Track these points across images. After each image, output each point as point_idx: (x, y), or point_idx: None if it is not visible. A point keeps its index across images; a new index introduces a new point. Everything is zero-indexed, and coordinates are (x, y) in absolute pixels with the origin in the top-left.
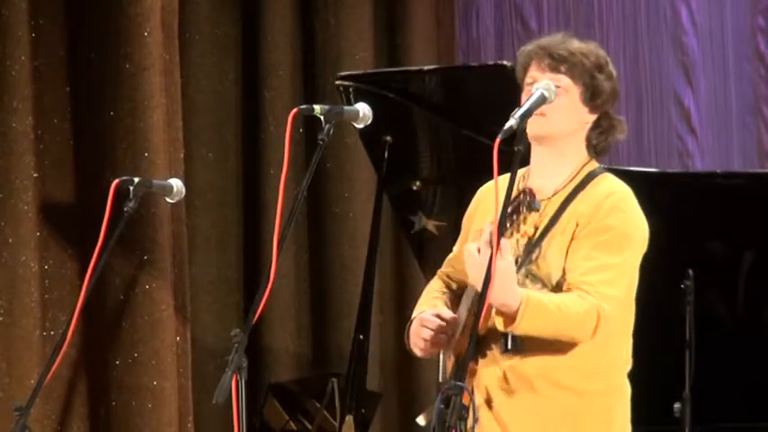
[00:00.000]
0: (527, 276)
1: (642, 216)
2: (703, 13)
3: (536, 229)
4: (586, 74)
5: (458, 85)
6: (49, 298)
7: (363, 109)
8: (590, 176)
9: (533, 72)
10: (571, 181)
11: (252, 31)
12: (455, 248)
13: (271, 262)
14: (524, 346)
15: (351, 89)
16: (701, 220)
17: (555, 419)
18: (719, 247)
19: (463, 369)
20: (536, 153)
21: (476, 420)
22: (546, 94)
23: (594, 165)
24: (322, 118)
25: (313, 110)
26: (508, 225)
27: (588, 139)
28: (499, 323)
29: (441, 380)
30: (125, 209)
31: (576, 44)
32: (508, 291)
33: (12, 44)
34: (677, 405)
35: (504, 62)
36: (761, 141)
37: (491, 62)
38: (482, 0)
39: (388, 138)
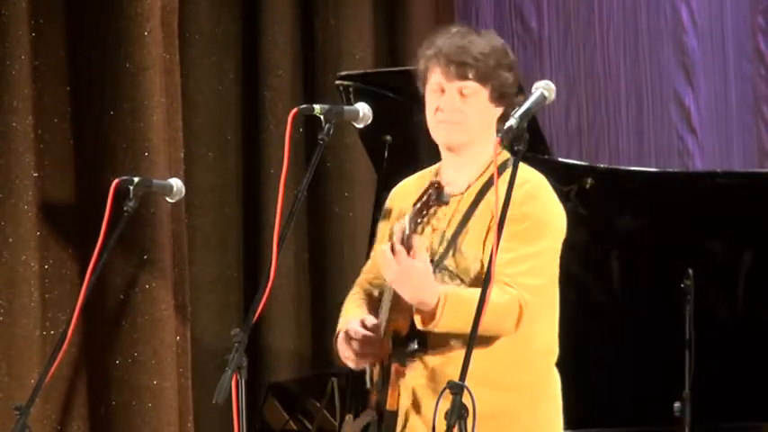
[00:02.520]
0: (444, 273)
1: (558, 203)
2: (703, 13)
3: (449, 223)
4: (492, 74)
5: None
6: (49, 297)
7: (363, 109)
8: (503, 167)
9: (439, 79)
10: (483, 173)
11: (252, 31)
12: (371, 255)
13: (271, 261)
14: (444, 344)
15: (351, 89)
16: (701, 220)
17: (483, 417)
18: (719, 246)
19: (387, 372)
20: (451, 157)
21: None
22: (546, 93)
23: (506, 155)
24: (322, 118)
25: (313, 109)
26: (418, 221)
27: (497, 132)
28: (418, 321)
29: (368, 385)
30: (125, 208)
31: (476, 45)
32: (425, 288)
33: (12, 44)
34: (677, 404)
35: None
36: (761, 141)
37: None
38: (482, 0)
39: (388, 137)
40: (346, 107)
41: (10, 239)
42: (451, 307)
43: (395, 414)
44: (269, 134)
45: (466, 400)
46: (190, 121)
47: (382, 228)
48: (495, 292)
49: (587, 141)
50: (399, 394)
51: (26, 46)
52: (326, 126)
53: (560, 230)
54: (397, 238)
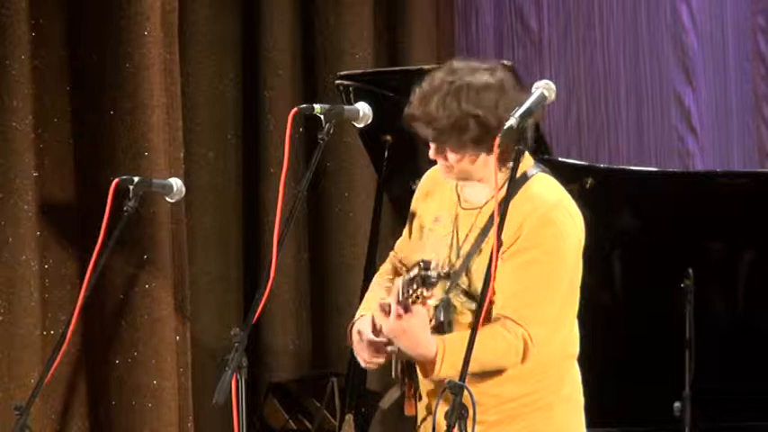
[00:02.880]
0: (457, 290)
1: (573, 217)
2: (704, 13)
3: (466, 237)
4: (456, 134)
5: None
6: (48, 297)
7: (363, 108)
8: (522, 180)
9: (430, 144)
10: (501, 187)
11: (252, 31)
12: (404, 232)
13: (271, 261)
14: None
15: (351, 88)
16: (702, 220)
17: (491, 424)
18: (720, 246)
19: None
20: None
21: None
22: (546, 93)
23: (528, 163)
24: (322, 117)
25: (313, 109)
26: (410, 292)
27: (499, 156)
28: (419, 372)
29: (393, 375)
30: (125, 208)
31: (432, 105)
32: (421, 342)
33: (12, 43)
34: (677, 404)
35: (504, 62)
36: (761, 141)
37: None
38: (482, 0)
39: (388, 137)
40: (346, 107)
41: (10, 239)
42: (451, 355)
43: (414, 419)
44: (269, 134)
45: (466, 400)
46: (190, 121)
47: (415, 207)
48: (496, 332)
49: (587, 141)
50: (419, 398)
51: (26, 46)
52: (326, 126)
53: (575, 248)
54: (393, 297)
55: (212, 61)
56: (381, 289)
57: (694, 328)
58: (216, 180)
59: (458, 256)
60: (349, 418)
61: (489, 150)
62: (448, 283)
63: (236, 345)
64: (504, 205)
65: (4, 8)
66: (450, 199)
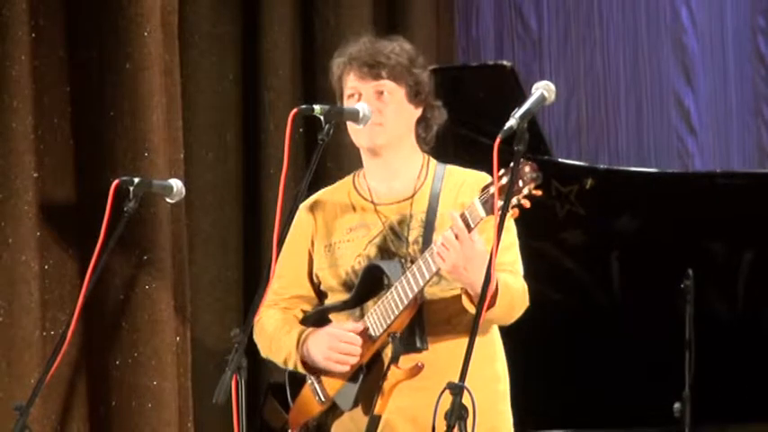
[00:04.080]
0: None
1: None
2: (703, 13)
3: (409, 228)
4: (406, 72)
5: (457, 85)
6: (49, 298)
7: (363, 109)
8: (440, 169)
9: (354, 83)
10: (426, 177)
11: (252, 31)
12: (285, 272)
13: (271, 261)
14: (438, 340)
15: None
16: (701, 220)
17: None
18: (719, 247)
19: (376, 376)
20: (374, 163)
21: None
22: (546, 93)
23: (433, 159)
24: (322, 118)
25: (313, 110)
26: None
27: (417, 134)
28: (470, 307)
29: (290, 402)
30: (125, 209)
31: (386, 46)
32: (481, 272)
33: (11, 44)
34: (677, 405)
35: (504, 62)
36: (760, 141)
37: (491, 62)
38: (482, 0)
39: None
40: (346, 107)
41: (10, 240)
42: (505, 292)
43: (379, 419)
44: (269, 134)
45: (465, 400)
46: (190, 122)
47: (298, 240)
48: (512, 279)
49: (587, 142)
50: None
51: (26, 46)
52: (326, 126)
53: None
54: (459, 227)
55: (212, 62)
56: (293, 326)
57: (694, 329)
58: (216, 180)
59: (407, 245)
60: None
61: (416, 106)
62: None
63: (236, 345)
64: (504, 206)
65: (5, 8)
66: (356, 208)
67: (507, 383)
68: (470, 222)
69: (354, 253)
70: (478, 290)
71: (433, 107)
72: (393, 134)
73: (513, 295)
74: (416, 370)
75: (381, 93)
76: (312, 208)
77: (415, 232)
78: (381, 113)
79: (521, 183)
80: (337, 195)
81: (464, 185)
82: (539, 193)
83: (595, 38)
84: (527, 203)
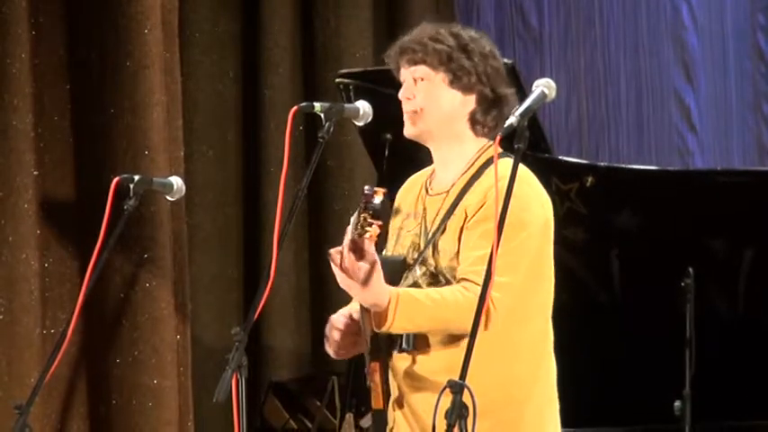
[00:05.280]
0: (425, 271)
1: (540, 196)
2: (703, 11)
3: (433, 221)
4: (444, 57)
5: None
6: (49, 296)
7: (364, 106)
8: (487, 164)
9: (401, 72)
10: (467, 171)
11: (252, 29)
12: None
13: (271, 260)
14: (424, 342)
15: (351, 87)
16: (702, 218)
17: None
18: (720, 244)
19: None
20: (433, 151)
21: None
22: (546, 91)
23: (491, 152)
24: (322, 116)
25: (313, 107)
26: (358, 226)
27: (473, 122)
28: (373, 324)
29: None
30: (125, 207)
31: (430, 31)
32: (375, 290)
33: (12, 42)
34: (677, 403)
35: (505, 59)
36: (761, 139)
37: None
38: None
39: (389, 135)
40: (346, 105)
41: (10, 238)
42: (404, 307)
43: (383, 412)
44: (269, 132)
45: (466, 398)
46: (190, 120)
47: (392, 224)
48: (453, 291)
49: (587, 139)
50: (384, 392)
51: (26, 44)
52: (327, 124)
53: (542, 224)
54: (346, 245)
55: (212, 60)
56: None
57: (694, 327)
58: (216, 179)
59: (426, 240)
60: (349, 417)
61: (464, 91)
62: (417, 270)
63: (237, 344)
64: (504, 203)
65: (5, 6)
66: (419, 195)
67: (537, 392)
68: (350, 234)
69: (394, 242)
70: (375, 309)
71: (496, 94)
72: (432, 120)
73: (433, 310)
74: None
75: (420, 79)
76: (402, 190)
77: (433, 228)
78: (415, 100)
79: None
80: (419, 179)
81: (479, 187)
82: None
83: (596, 35)
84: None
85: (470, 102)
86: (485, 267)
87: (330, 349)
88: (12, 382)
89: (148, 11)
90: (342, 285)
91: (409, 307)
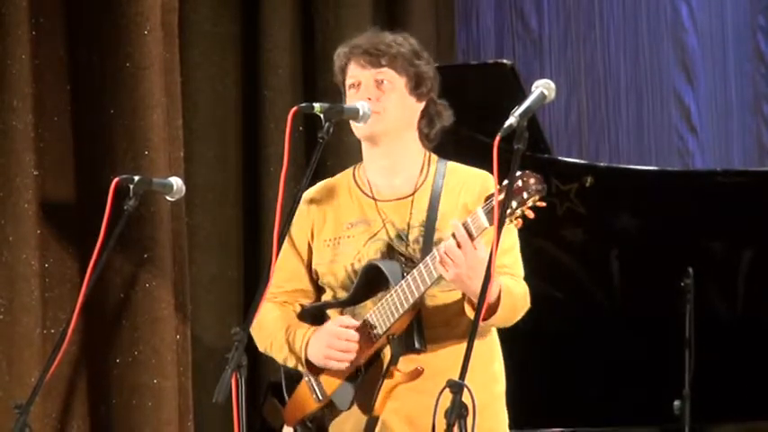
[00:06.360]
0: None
1: None
2: (703, 12)
3: (409, 226)
4: (407, 63)
5: (457, 84)
6: (49, 296)
7: (363, 107)
8: (441, 166)
9: (355, 71)
10: (427, 174)
11: (252, 30)
12: (285, 265)
13: (271, 261)
14: (435, 342)
15: None
16: (701, 219)
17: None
18: (719, 245)
19: (373, 377)
20: (374, 154)
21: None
22: (546, 92)
23: (434, 156)
24: (322, 116)
25: (313, 108)
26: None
27: (420, 130)
28: (472, 313)
29: (287, 397)
30: (125, 207)
31: (388, 37)
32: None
33: (12, 42)
34: (677, 403)
35: (505, 60)
36: (761, 139)
37: (491, 61)
38: (482, 0)
39: None
40: (346, 105)
41: (10, 238)
42: (507, 297)
43: (376, 420)
44: (269, 133)
45: (465, 398)
46: (190, 120)
47: (298, 233)
48: (514, 283)
49: (587, 140)
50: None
51: (26, 45)
52: (326, 125)
53: None
54: (459, 234)
55: (212, 61)
56: (295, 326)
57: (694, 327)
58: (216, 179)
59: (407, 244)
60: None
61: (418, 99)
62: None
63: (237, 343)
64: (503, 204)
65: (5, 7)
66: (357, 203)
67: (504, 384)
68: (473, 232)
69: (354, 250)
70: (475, 298)
71: (436, 105)
72: (391, 123)
73: (515, 299)
74: (416, 374)
75: (381, 81)
76: (312, 201)
77: (415, 231)
78: (380, 102)
79: (525, 195)
80: (338, 188)
81: (466, 185)
82: (543, 204)
83: (596, 36)
84: (531, 214)
85: (419, 110)
86: (509, 260)
87: (333, 362)
88: (12, 382)
89: (148, 11)
90: (457, 276)
91: (508, 299)
